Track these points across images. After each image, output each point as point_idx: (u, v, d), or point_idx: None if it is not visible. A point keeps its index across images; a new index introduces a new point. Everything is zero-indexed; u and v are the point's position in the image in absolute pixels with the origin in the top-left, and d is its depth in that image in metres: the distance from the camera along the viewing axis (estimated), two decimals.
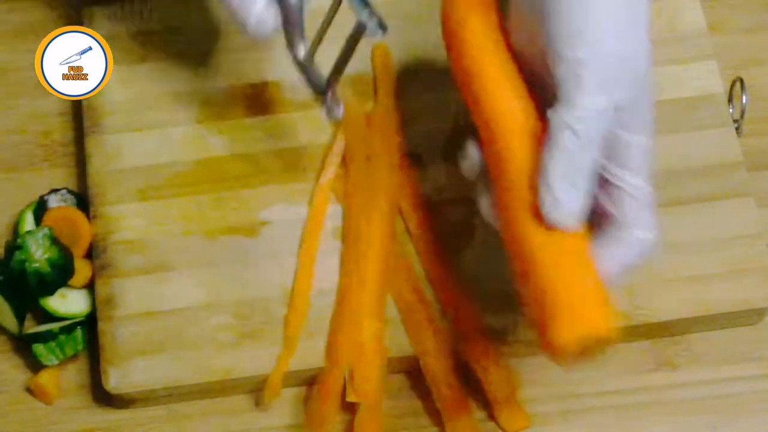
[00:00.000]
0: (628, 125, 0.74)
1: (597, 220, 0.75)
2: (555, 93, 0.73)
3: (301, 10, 0.81)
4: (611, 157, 0.74)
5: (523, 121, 0.75)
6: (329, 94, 0.82)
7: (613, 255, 0.74)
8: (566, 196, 0.72)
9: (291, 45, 0.82)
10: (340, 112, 0.83)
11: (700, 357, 0.88)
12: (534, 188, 0.72)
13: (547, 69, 0.74)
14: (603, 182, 0.74)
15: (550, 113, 0.73)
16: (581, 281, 0.72)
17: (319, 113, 0.91)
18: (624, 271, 0.74)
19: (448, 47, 0.79)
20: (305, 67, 0.83)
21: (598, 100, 0.72)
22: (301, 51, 0.82)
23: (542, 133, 0.73)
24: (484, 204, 0.77)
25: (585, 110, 0.72)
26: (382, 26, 0.76)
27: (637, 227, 0.74)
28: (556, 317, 0.71)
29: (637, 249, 0.74)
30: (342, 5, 0.80)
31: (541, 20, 0.74)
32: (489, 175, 0.76)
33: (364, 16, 0.76)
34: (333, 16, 0.81)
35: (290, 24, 0.81)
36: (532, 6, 0.75)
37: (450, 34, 0.79)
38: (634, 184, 0.74)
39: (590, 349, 0.72)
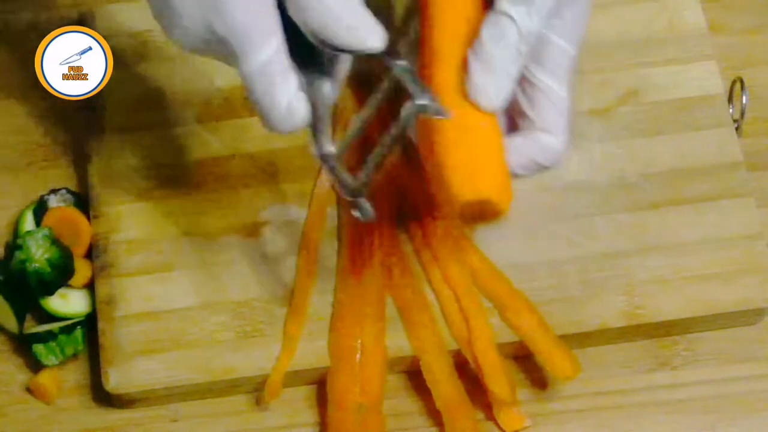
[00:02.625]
0: (559, 30, 0.76)
1: (514, 120, 0.78)
2: None
3: (330, 102, 0.75)
4: (536, 59, 0.76)
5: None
6: (362, 191, 0.75)
7: (520, 149, 0.77)
8: (498, 78, 0.74)
9: (318, 141, 0.74)
10: (371, 211, 0.75)
11: (700, 357, 0.88)
12: (463, 66, 0.75)
13: None
14: (524, 83, 0.77)
15: (496, 1, 0.75)
16: (486, 153, 0.76)
17: None
18: (528, 166, 0.77)
19: None
20: (334, 166, 0.75)
21: None
22: (330, 147, 0.75)
23: (480, 17, 0.76)
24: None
25: (528, 3, 0.74)
26: (441, 111, 0.72)
27: (547, 130, 0.77)
28: (458, 177, 0.75)
29: (544, 151, 0.77)
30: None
31: None
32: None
33: (425, 98, 0.72)
34: (377, 108, 0.75)
35: (319, 117, 0.74)
36: None
37: None
38: (552, 88, 0.77)
39: (485, 214, 0.76)
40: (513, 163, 0.77)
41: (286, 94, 0.72)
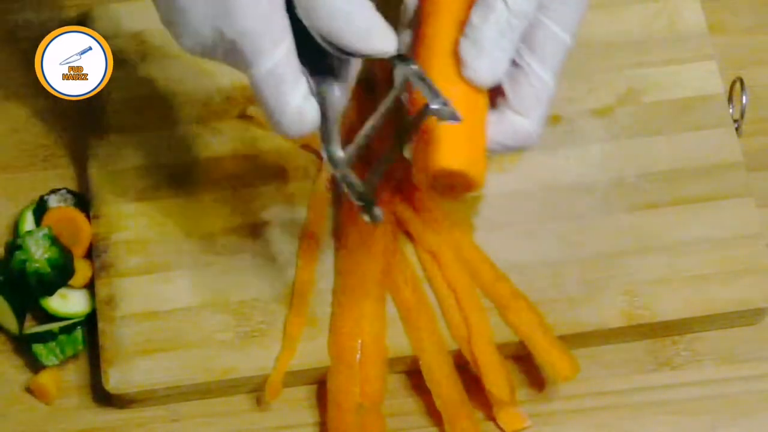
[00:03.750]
0: (553, 15, 0.76)
1: (495, 95, 0.78)
2: None
3: (340, 106, 0.75)
4: (528, 42, 0.77)
5: None
6: (371, 195, 0.75)
7: (494, 129, 0.77)
8: (490, 57, 0.75)
9: (328, 145, 0.74)
10: (381, 215, 0.74)
11: (700, 357, 0.88)
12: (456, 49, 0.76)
13: None
14: (512, 63, 0.77)
15: None
16: (471, 127, 0.76)
17: None
18: (500, 147, 0.78)
19: None
20: (344, 170, 0.74)
21: None
22: (339, 151, 0.74)
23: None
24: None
25: None
26: (455, 115, 0.73)
27: (522, 113, 0.77)
28: (439, 146, 0.76)
29: (516, 134, 0.78)
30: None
31: None
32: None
33: (439, 102, 0.73)
34: (388, 114, 0.76)
35: (329, 121, 0.74)
36: None
37: None
38: (538, 74, 0.77)
39: (458, 186, 0.77)
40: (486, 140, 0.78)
41: (296, 98, 0.72)
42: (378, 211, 0.74)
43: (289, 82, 0.72)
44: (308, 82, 0.73)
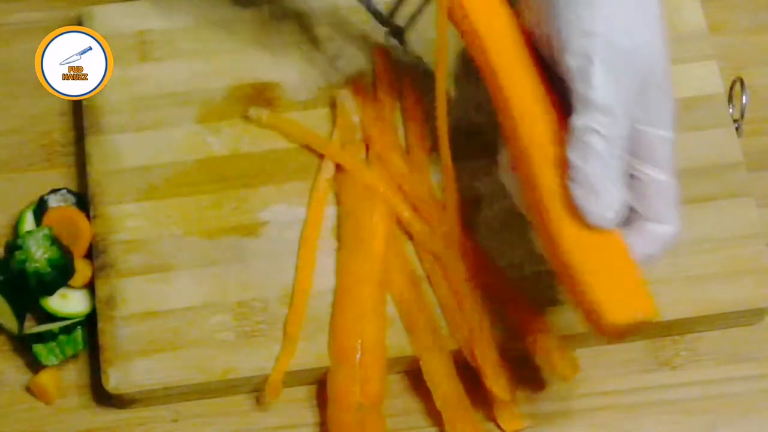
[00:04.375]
0: (649, 120, 0.74)
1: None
2: (569, 86, 0.74)
3: None
4: (635, 152, 0.75)
5: (545, 127, 0.75)
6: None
7: (637, 247, 0.75)
8: (605, 195, 0.72)
9: None
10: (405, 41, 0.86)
11: (700, 357, 0.88)
12: (566, 189, 0.73)
13: (556, 55, 0.75)
14: (628, 177, 0.75)
15: (571, 119, 0.73)
16: (622, 269, 0.74)
17: (317, 113, 0.92)
18: (647, 261, 0.75)
19: (468, 43, 0.80)
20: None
21: (612, 96, 0.72)
22: None
23: (562, 132, 0.74)
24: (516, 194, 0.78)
25: (603, 110, 0.72)
26: None
27: (660, 221, 0.75)
28: (606, 305, 0.72)
29: (659, 242, 0.75)
30: None
31: (547, 13, 0.74)
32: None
33: None
34: None
35: None
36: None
37: (468, 32, 0.79)
38: (658, 179, 0.75)
39: (637, 327, 0.74)
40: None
41: None
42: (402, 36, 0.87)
43: None
44: None
